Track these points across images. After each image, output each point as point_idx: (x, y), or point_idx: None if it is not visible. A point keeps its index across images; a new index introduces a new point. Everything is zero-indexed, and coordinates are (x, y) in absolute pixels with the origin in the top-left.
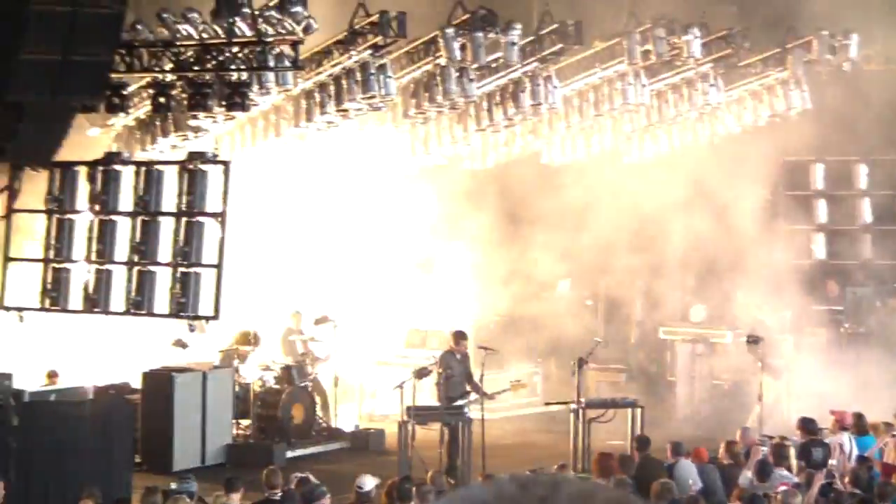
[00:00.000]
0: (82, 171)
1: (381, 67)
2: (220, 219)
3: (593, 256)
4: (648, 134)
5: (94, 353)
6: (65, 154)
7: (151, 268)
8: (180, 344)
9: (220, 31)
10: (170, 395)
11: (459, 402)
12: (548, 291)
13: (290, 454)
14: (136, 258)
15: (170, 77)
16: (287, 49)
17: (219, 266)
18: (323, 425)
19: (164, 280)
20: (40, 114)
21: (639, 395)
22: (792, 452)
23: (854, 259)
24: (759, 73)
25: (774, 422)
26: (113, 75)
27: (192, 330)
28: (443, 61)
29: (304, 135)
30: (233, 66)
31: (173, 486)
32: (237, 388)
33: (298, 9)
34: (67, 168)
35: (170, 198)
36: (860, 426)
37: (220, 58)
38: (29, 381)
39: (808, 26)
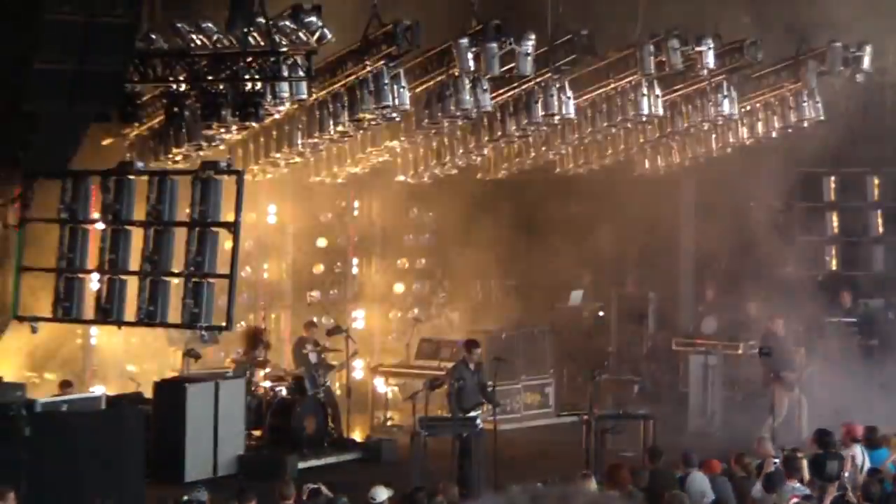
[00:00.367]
0: (95, 181)
1: (395, 77)
2: (233, 229)
3: (606, 267)
4: (662, 145)
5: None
6: (78, 163)
7: (164, 278)
8: (192, 354)
9: (233, 40)
10: (182, 405)
11: (472, 414)
12: (561, 302)
13: (302, 465)
14: (148, 268)
15: (183, 87)
16: (301, 59)
17: (231, 276)
18: (335, 436)
19: (177, 290)
20: (54, 123)
21: (651, 406)
22: (804, 465)
23: (867, 270)
24: (772, 85)
25: (787, 434)
26: (126, 85)
27: (204, 340)
28: (456, 72)
29: (318, 144)
30: (246, 76)
31: (185, 497)
32: (249, 399)
33: (312, 19)
34: (80, 178)
35: (183, 208)
36: (873, 439)
37: (234, 68)
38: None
39: (822, 37)
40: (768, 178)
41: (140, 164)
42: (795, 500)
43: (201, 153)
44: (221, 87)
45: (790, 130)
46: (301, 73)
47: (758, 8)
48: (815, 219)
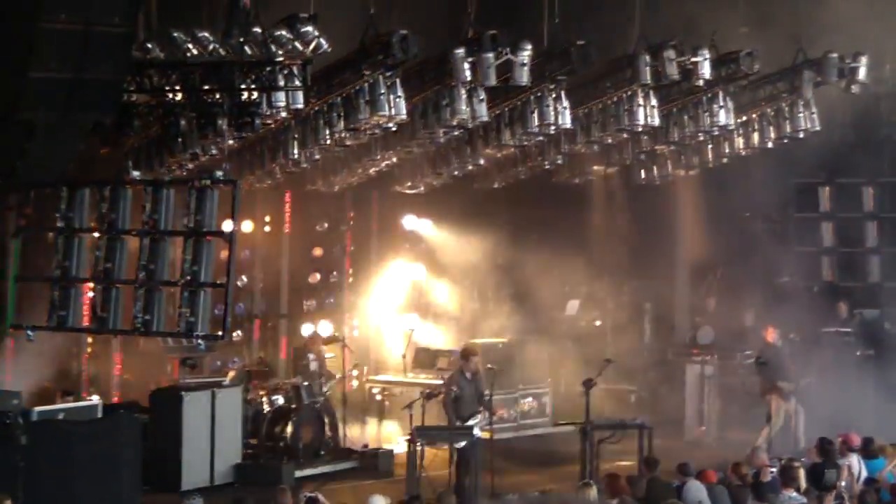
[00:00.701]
0: (91, 190)
1: (391, 87)
2: (228, 238)
3: (603, 277)
4: (658, 155)
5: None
6: (73, 173)
7: (160, 287)
8: (189, 363)
9: (229, 50)
10: (178, 414)
11: (469, 422)
12: (557, 311)
13: (298, 474)
14: (144, 277)
15: (179, 96)
16: (297, 69)
17: (227, 286)
18: (332, 445)
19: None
20: (50, 132)
21: (648, 415)
22: (801, 474)
23: (862, 281)
24: (768, 95)
25: (783, 443)
26: (123, 94)
27: (200, 349)
28: (452, 81)
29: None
30: (242, 86)
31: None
32: (246, 407)
33: (308, 28)
34: (77, 187)
35: (179, 217)
36: (870, 449)
37: (230, 77)
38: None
39: (818, 48)
40: (764, 189)
41: (136, 174)
42: None
43: (197, 162)
44: (217, 96)
45: (786, 141)
46: (297, 83)
47: (754, 18)
48: (811, 229)
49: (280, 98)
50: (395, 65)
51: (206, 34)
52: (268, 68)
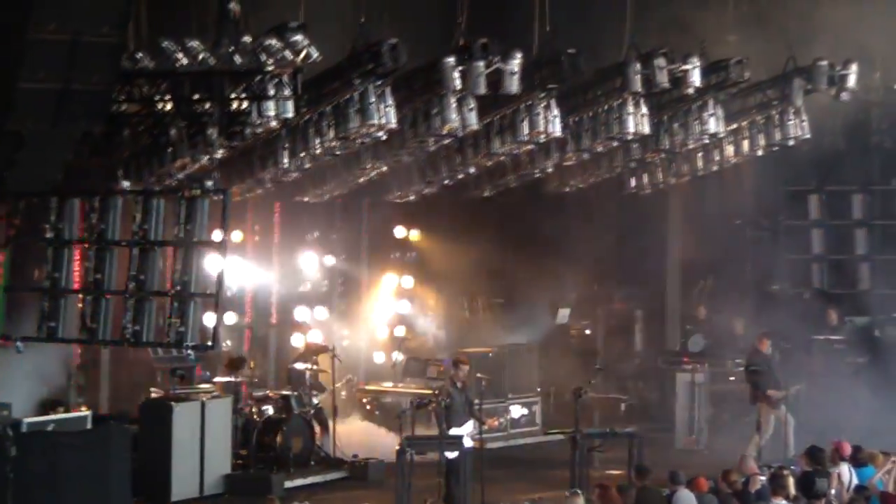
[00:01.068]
0: (81, 201)
1: (381, 96)
2: (219, 248)
3: (593, 285)
4: (648, 163)
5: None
6: (63, 183)
7: (150, 297)
8: (179, 374)
9: (219, 60)
10: (168, 425)
11: (459, 432)
12: (548, 320)
13: (288, 484)
14: (134, 288)
15: (169, 106)
16: (286, 78)
17: (218, 296)
18: (322, 455)
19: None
20: (39, 143)
21: (638, 424)
22: (791, 482)
23: (852, 288)
24: (758, 103)
25: (773, 451)
26: (112, 104)
27: (190, 360)
28: (442, 90)
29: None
30: (232, 96)
31: None
32: (236, 418)
33: (298, 37)
34: (66, 197)
35: (169, 227)
36: (859, 457)
37: (220, 87)
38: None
39: (808, 56)
40: (754, 196)
41: (126, 184)
42: None
43: (187, 172)
44: (207, 106)
45: (776, 148)
46: (287, 92)
47: (744, 26)
48: (801, 236)
49: (270, 107)
50: (385, 74)
51: (196, 43)
52: (257, 77)
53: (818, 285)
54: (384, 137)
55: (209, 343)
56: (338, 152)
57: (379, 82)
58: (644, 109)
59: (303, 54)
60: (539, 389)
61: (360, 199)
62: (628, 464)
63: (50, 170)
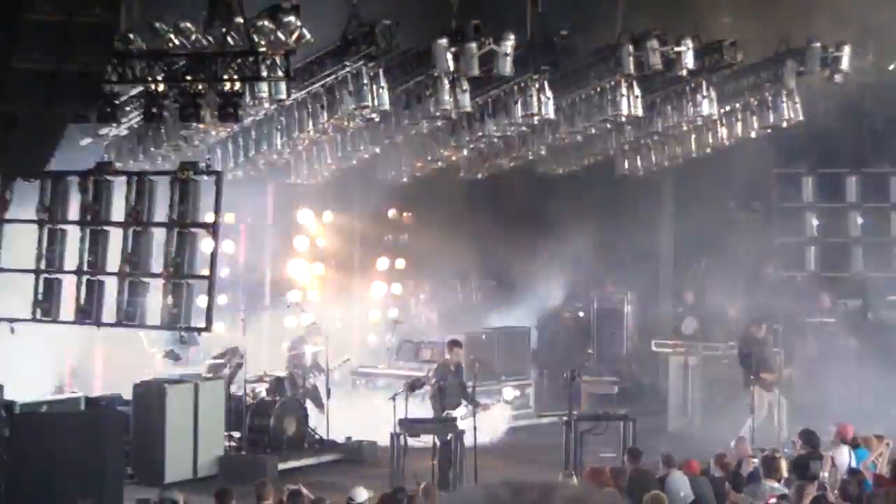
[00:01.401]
0: (74, 182)
1: (375, 77)
2: (212, 230)
3: (586, 268)
4: (641, 145)
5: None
6: (56, 164)
7: (143, 279)
8: (172, 355)
9: (212, 41)
10: (162, 407)
11: (453, 414)
12: (542, 303)
13: (282, 466)
14: (127, 269)
15: (161, 87)
16: (279, 59)
17: (211, 277)
18: (315, 437)
19: (156, 291)
20: (32, 124)
21: (631, 407)
22: (783, 464)
23: (846, 271)
24: (751, 85)
25: (766, 434)
26: (105, 85)
27: (183, 342)
28: (435, 72)
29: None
30: (225, 77)
31: (157, 499)
32: (229, 400)
33: (291, 18)
34: (59, 178)
35: (162, 208)
36: (852, 441)
37: (213, 68)
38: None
39: (801, 38)
40: (747, 178)
41: (119, 165)
42: (773, 499)
43: (180, 153)
44: (200, 87)
45: (769, 130)
46: (280, 74)
47: (738, 8)
48: (795, 219)
49: (263, 88)
50: (378, 55)
51: (189, 24)
52: (251, 58)
53: (811, 268)
54: (377, 119)
55: (202, 325)
56: (331, 133)
57: (372, 64)
58: (637, 91)
59: (296, 35)
60: (532, 372)
61: (353, 181)
62: (621, 446)
63: (43, 151)
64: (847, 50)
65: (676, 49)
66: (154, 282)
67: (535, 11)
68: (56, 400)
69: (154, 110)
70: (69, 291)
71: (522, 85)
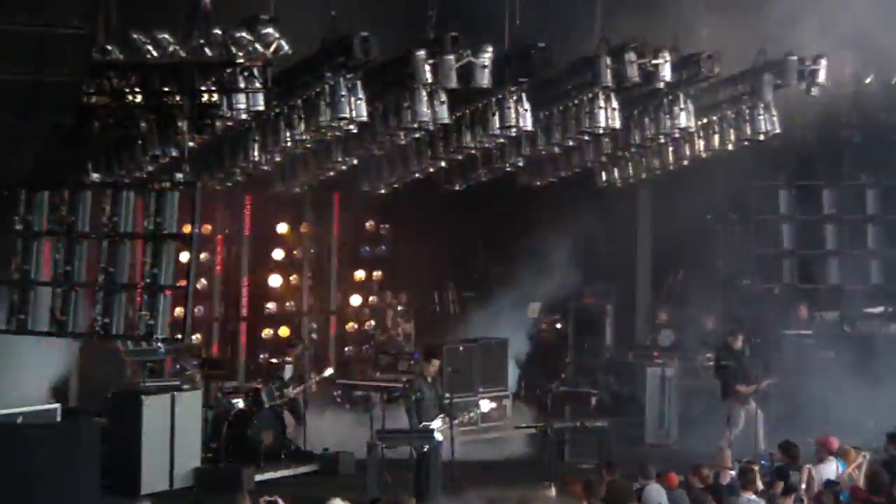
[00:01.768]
0: (50, 193)
1: (352, 89)
2: (188, 241)
3: (564, 279)
4: (619, 157)
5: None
6: (32, 175)
7: (119, 290)
8: (147, 367)
9: (189, 52)
10: (138, 417)
11: (430, 426)
12: (518, 314)
13: (259, 477)
14: (103, 280)
15: (139, 98)
16: (257, 70)
17: (187, 288)
18: (292, 448)
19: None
20: (8, 135)
21: (609, 418)
22: (758, 476)
23: (822, 283)
24: (728, 97)
25: (742, 446)
26: (82, 96)
27: (160, 353)
28: (413, 83)
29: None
30: (202, 88)
31: None
32: (206, 411)
33: (269, 30)
34: (35, 189)
35: (137, 219)
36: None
37: (190, 79)
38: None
39: (779, 51)
40: (724, 191)
41: (95, 176)
42: None
43: (157, 165)
44: (177, 98)
45: (746, 143)
46: (257, 85)
47: (715, 21)
48: (771, 231)
49: (240, 100)
50: (355, 67)
51: (166, 36)
52: (228, 70)
53: (788, 280)
54: (355, 131)
55: (179, 336)
56: (308, 145)
57: (350, 75)
58: (615, 103)
59: (273, 47)
60: (509, 383)
61: (331, 193)
62: (598, 458)
63: (19, 162)
64: (824, 63)
65: (654, 61)
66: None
67: (513, 24)
68: (31, 411)
69: (131, 121)
70: (44, 303)
71: (500, 97)
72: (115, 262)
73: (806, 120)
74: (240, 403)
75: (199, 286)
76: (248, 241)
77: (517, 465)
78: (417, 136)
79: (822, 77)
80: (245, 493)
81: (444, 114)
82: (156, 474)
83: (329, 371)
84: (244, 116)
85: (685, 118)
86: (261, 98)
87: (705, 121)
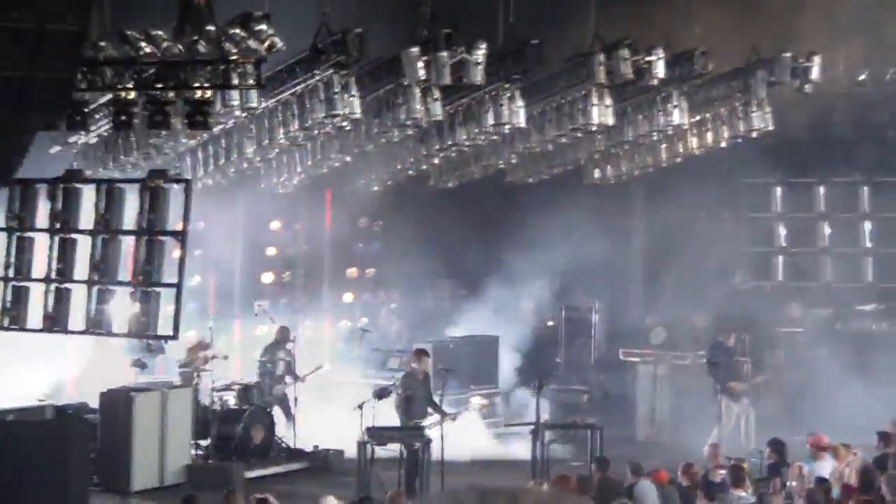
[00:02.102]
0: (43, 189)
1: (346, 86)
2: (181, 238)
3: (556, 276)
4: (611, 154)
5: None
6: (25, 172)
7: (112, 287)
8: (139, 364)
9: (182, 49)
10: (129, 415)
11: (421, 423)
12: (510, 312)
13: (249, 474)
14: (96, 277)
15: (132, 95)
16: (250, 67)
17: (179, 286)
18: (283, 445)
19: (124, 299)
20: (3, 131)
21: (599, 416)
22: (749, 474)
23: (815, 281)
24: (721, 95)
25: (733, 444)
26: (75, 93)
27: (151, 350)
28: (406, 80)
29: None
30: (195, 85)
31: None
32: (197, 408)
33: (262, 27)
34: (28, 186)
35: (131, 216)
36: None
37: (183, 76)
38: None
39: (772, 48)
40: (717, 188)
41: (89, 173)
42: None
43: (150, 161)
44: (171, 94)
45: (739, 140)
46: (251, 82)
47: (708, 18)
48: (764, 229)
49: (234, 96)
50: (349, 64)
51: (160, 32)
52: (221, 66)
53: (780, 278)
54: (348, 127)
55: (171, 333)
56: (301, 142)
57: (343, 72)
58: (608, 100)
59: (267, 44)
60: (500, 381)
61: (324, 189)
62: (589, 455)
63: (11, 159)
64: (817, 60)
65: (647, 58)
66: (122, 290)
67: (506, 20)
68: (23, 408)
69: (124, 118)
70: (37, 299)
71: (493, 94)
72: (107, 258)
73: (798, 117)
74: (231, 400)
75: (192, 283)
76: (241, 238)
77: (508, 462)
78: (410, 132)
79: (815, 75)
80: (235, 490)
81: (437, 110)
82: (147, 471)
83: (319, 365)
84: (238, 113)
85: (678, 115)
86: (254, 95)
87: (698, 118)
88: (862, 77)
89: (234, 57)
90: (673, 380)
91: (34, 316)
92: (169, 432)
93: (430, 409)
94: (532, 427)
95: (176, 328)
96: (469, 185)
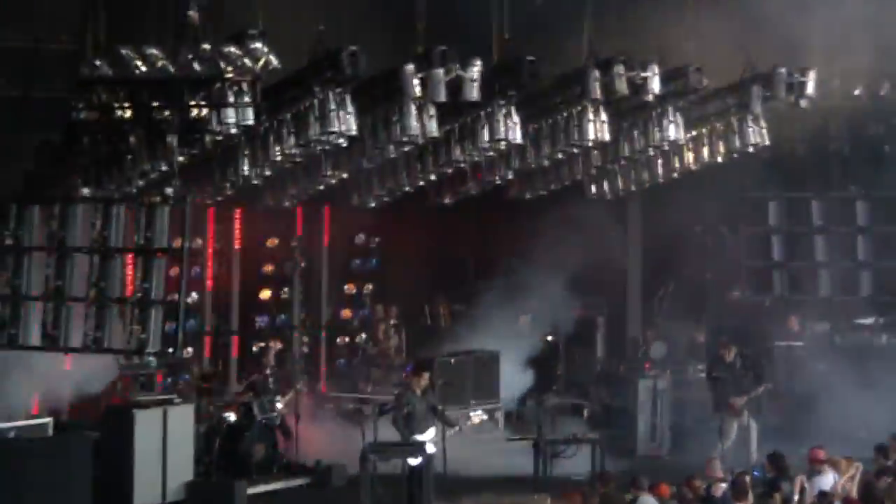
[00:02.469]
0: (41, 208)
1: (341, 103)
2: (179, 255)
3: (555, 292)
4: (608, 170)
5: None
6: (23, 190)
7: (111, 304)
8: (140, 381)
9: (178, 67)
10: (130, 432)
11: (422, 438)
12: (509, 326)
13: (251, 491)
14: (94, 294)
15: (128, 113)
16: (246, 85)
17: (178, 302)
18: (284, 461)
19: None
20: None
21: (600, 430)
22: (751, 487)
23: (813, 295)
24: (717, 110)
25: (735, 458)
26: (71, 112)
27: (152, 367)
28: (402, 98)
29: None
30: (191, 103)
31: None
32: (198, 424)
33: (257, 45)
34: (26, 204)
35: (129, 234)
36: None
37: (179, 94)
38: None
39: (767, 63)
40: (714, 203)
41: (85, 191)
42: None
43: (147, 179)
44: (166, 113)
45: (735, 155)
46: (246, 100)
47: (703, 33)
48: (761, 243)
49: (230, 114)
50: (344, 81)
51: (155, 51)
52: (217, 85)
53: (778, 292)
54: (344, 144)
55: (170, 350)
56: (298, 159)
57: (339, 89)
58: (604, 116)
59: (262, 61)
60: (501, 395)
61: (321, 206)
62: (591, 470)
63: (9, 177)
64: (812, 75)
65: (643, 74)
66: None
67: (501, 38)
68: (24, 425)
69: (120, 136)
70: (36, 317)
71: (489, 111)
72: (106, 276)
73: (795, 132)
74: (231, 417)
75: (189, 300)
76: (238, 254)
77: (510, 477)
78: (407, 149)
79: (810, 89)
80: None
81: (433, 127)
82: (148, 488)
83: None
84: (233, 131)
85: (674, 131)
86: (250, 112)
87: (694, 133)
88: (858, 91)
89: (230, 75)
90: (673, 394)
91: (32, 334)
92: (170, 449)
93: (434, 422)
94: (533, 441)
95: (176, 345)
96: (466, 202)
